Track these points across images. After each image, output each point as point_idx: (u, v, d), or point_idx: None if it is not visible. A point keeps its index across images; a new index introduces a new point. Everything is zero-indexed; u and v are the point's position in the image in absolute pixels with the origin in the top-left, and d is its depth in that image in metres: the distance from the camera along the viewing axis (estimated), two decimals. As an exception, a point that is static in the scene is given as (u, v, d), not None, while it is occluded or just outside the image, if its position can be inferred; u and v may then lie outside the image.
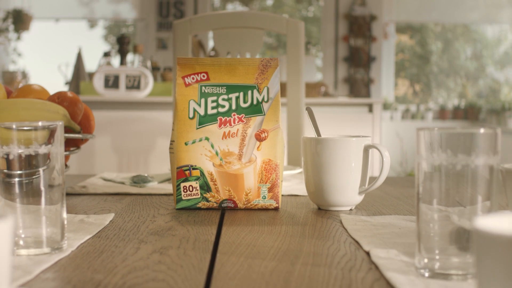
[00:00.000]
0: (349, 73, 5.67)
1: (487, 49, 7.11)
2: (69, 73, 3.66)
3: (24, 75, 3.11)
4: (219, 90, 0.98)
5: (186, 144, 0.96)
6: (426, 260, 0.61)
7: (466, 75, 7.10)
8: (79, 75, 3.08)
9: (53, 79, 6.47)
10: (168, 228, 0.83)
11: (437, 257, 0.61)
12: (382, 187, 1.25)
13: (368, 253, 0.68)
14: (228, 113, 0.97)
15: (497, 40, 7.16)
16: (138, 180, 1.26)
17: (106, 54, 2.94)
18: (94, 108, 2.59)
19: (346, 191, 0.97)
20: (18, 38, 5.32)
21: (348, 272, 0.61)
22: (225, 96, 0.97)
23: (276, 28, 1.82)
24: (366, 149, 0.97)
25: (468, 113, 6.03)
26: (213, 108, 0.97)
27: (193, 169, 0.96)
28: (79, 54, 3.12)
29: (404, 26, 7.16)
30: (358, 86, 5.61)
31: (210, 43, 5.56)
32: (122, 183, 1.28)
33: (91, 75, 3.14)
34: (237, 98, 0.97)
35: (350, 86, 5.64)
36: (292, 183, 1.30)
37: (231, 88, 0.98)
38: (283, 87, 2.80)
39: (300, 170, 1.41)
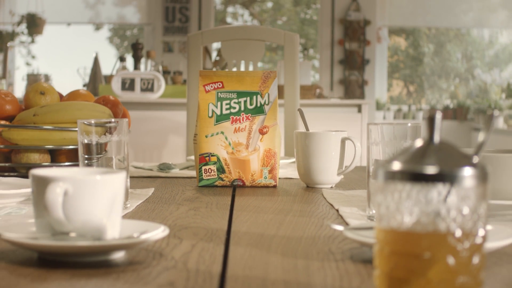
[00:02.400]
0: (344, 75, 5.98)
1: (478, 51, 7.40)
2: (79, 74, 3.94)
3: (47, 77, 3.41)
4: (231, 96, 1.28)
5: (206, 136, 1.27)
6: (373, 211, 0.92)
7: (458, 76, 7.39)
8: (96, 78, 3.38)
9: (63, 79, 6.75)
10: (196, 197, 1.13)
11: (382, 209, 0.91)
12: (359, 172, 1.55)
13: (337, 210, 0.99)
14: (238, 113, 1.27)
15: (488, 42, 7.45)
16: (164, 167, 1.56)
17: (122, 59, 3.24)
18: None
19: (328, 173, 1.27)
20: (32, 41, 5.62)
21: (322, 220, 0.91)
22: (236, 100, 1.28)
23: (275, 40, 2.12)
24: (343, 141, 1.28)
25: (457, 113, 6.35)
26: (226, 109, 1.27)
27: (212, 156, 1.27)
28: (96, 59, 3.43)
29: (398, 29, 7.45)
30: (353, 88, 5.92)
31: (214, 45, 5.84)
32: (150, 169, 1.58)
33: (106, 77, 3.44)
34: (245, 101, 1.28)
35: (345, 87, 5.95)
36: (287, 170, 1.60)
37: (240, 94, 1.28)
38: (281, 89, 3.10)
39: (294, 159, 1.71)
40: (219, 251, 0.70)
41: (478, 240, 0.49)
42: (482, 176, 0.49)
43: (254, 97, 1.28)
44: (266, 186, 1.28)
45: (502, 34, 7.34)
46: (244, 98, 1.28)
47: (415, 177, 0.48)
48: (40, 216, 0.67)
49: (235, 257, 0.67)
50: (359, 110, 3.14)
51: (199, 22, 5.89)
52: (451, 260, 0.48)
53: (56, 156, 1.44)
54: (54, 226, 0.66)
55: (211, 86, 1.28)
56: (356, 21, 5.94)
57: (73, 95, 1.51)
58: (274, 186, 1.29)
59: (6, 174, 1.42)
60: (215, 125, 1.27)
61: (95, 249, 0.64)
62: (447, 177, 0.48)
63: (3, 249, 0.71)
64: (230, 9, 9.69)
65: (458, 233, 0.48)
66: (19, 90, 5.81)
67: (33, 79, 3.38)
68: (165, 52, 5.80)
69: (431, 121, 0.50)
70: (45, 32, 5.83)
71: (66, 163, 1.42)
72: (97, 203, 0.66)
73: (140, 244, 0.66)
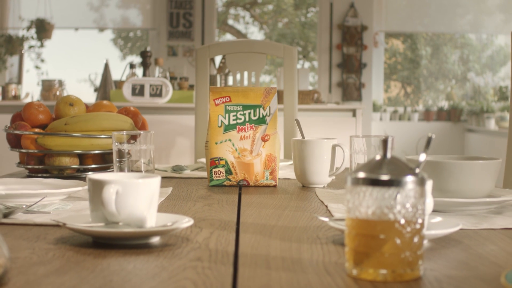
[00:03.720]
0: (342, 78, 6.19)
1: (474, 53, 7.60)
2: (91, 80, 4.14)
3: (61, 83, 3.61)
4: (237, 108, 1.48)
5: (216, 143, 1.47)
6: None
7: (454, 78, 7.59)
8: (106, 83, 3.58)
9: (70, 80, 6.94)
10: (208, 195, 1.34)
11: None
12: (350, 174, 1.76)
13: (326, 206, 1.20)
14: (243, 123, 1.48)
15: (483, 45, 7.64)
16: (177, 168, 1.77)
17: (132, 66, 3.45)
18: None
19: (320, 174, 1.48)
20: (41, 45, 5.83)
21: (313, 213, 1.12)
22: (242, 112, 1.48)
23: (275, 53, 2.33)
24: (333, 147, 1.48)
25: (451, 115, 6.56)
26: (233, 120, 1.48)
27: (221, 160, 1.47)
28: (106, 65, 3.63)
29: (396, 32, 7.64)
30: (351, 90, 6.14)
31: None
32: (165, 170, 1.79)
33: (116, 83, 3.65)
34: (249, 113, 1.48)
35: (343, 90, 6.17)
36: (286, 171, 1.81)
37: (245, 107, 1.49)
38: (281, 95, 3.30)
39: (291, 162, 1.92)
40: (231, 236, 0.91)
41: (417, 226, 0.69)
42: (420, 182, 0.69)
43: (257, 109, 1.49)
44: (268, 186, 1.49)
45: (497, 37, 7.53)
46: (249, 111, 1.48)
47: (374, 182, 0.69)
48: (95, 209, 0.88)
49: (244, 241, 0.88)
50: (354, 115, 3.35)
51: (202, 27, 6.11)
52: (398, 240, 0.69)
53: (84, 159, 1.65)
54: (107, 217, 0.87)
55: (220, 100, 1.49)
56: (354, 27, 6.16)
57: (98, 106, 1.72)
58: (275, 186, 1.49)
59: (39, 175, 1.63)
60: (223, 133, 1.48)
61: (138, 234, 0.85)
62: (396, 182, 0.69)
63: (62, 236, 0.91)
64: (231, 11, 9.88)
65: (403, 221, 0.69)
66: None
67: (47, 85, 3.59)
68: (170, 56, 6.01)
69: (385, 143, 0.71)
70: (53, 36, 6.04)
71: (93, 165, 1.63)
72: (139, 200, 0.87)
73: (172, 231, 0.86)
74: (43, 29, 5.65)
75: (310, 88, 7.36)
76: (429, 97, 7.58)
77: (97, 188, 0.86)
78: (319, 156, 1.47)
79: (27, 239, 0.89)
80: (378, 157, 0.72)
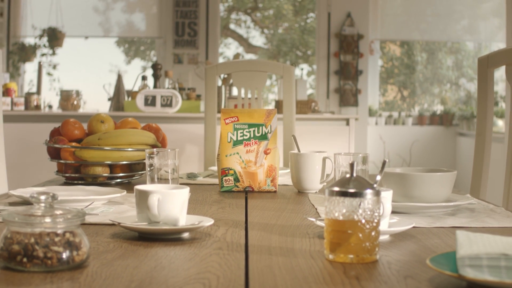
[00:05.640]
0: (340, 84, 6.51)
1: (468, 59, 7.88)
2: (105, 89, 4.42)
3: (78, 93, 3.91)
4: (244, 127, 1.78)
5: (226, 156, 1.77)
6: (338, 210, 1.42)
7: (449, 82, 7.89)
8: (119, 93, 3.89)
9: (82, 88, 7.23)
10: (220, 199, 1.64)
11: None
12: (339, 180, 2.06)
13: (316, 209, 1.50)
14: (249, 139, 1.78)
15: (477, 50, 7.92)
16: (191, 176, 2.07)
17: (144, 78, 3.75)
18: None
19: (313, 182, 1.78)
20: (53, 53, 6.13)
21: (305, 215, 1.42)
22: (247, 130, 1.78)
23: (275, 71, 2.63)
24: (324, 159, 1.78)
25: (443, 119, 6.87)
26: (240, 136, 1.78)
27: (230, 169, 1.77)
28: (119, 76, 3.93)
29: (392, 40, 7.92)
30: (347, 96, 6.46)
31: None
32: (181, 177, 2.09)
33: (128, 92, 3.95)
34: (254, 131, 1.78)
35: (341, 96, 6.48)
36: (285, 178, 2.11)
37: (250, 125, 1.78)
38: (280, 105, 3.60)
39: (289, 170, 2.22)
40: (242, 232, 1.21)
41: (374, 224, 0.99)
42: (376, 194, 0.99)
43: (260, 127, 1.79)
44: (269, 191, 1.79)
45: (491, 44, 7.80)
46: (253, 128, 1.78)
47: (344, 194, 0.99)
48: (141, 212, 1.18)
49: (252, 235, 1.18)
50: (348, 123, 3.67)
51: (207, 36, 6.42)
52: (360, 234, 0.98)
53: (113, 169, 1.95)
54: (150, 218, 1.16)
55: (230, 120, 1.79)
56: (350, 35, 6.48)
57: (124, 123, 2.02)
58: (275, 192, 1.79)
59: (75, 182, 1.93)
60: (232, 148, 1.77)
61: (174, 231, 1.14)
62: (359, 194, 0.98)
63: (115, 232, 1.21)
64: (233, 15, 10.16)
65: (364, 221, 0.98)
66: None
67: (65, 95, 3.90)
68: (175, 64, 6.33)
69: (352, 166, 1.01)
70: (64, 44, 6.34)
71: (121, 174, 1.93)
72: (174, 205, 1.17)
73: (199, 228, 1.16)
74: (54, 37, 5.96)
75: (310, 91, 7.66)
76: (425, 100, 7.88)
77: (143, 196, 1.16)
78: (312, 166, 1.77)
79: (89, 235, 1.19)
80: (347, 176, 1.02)
